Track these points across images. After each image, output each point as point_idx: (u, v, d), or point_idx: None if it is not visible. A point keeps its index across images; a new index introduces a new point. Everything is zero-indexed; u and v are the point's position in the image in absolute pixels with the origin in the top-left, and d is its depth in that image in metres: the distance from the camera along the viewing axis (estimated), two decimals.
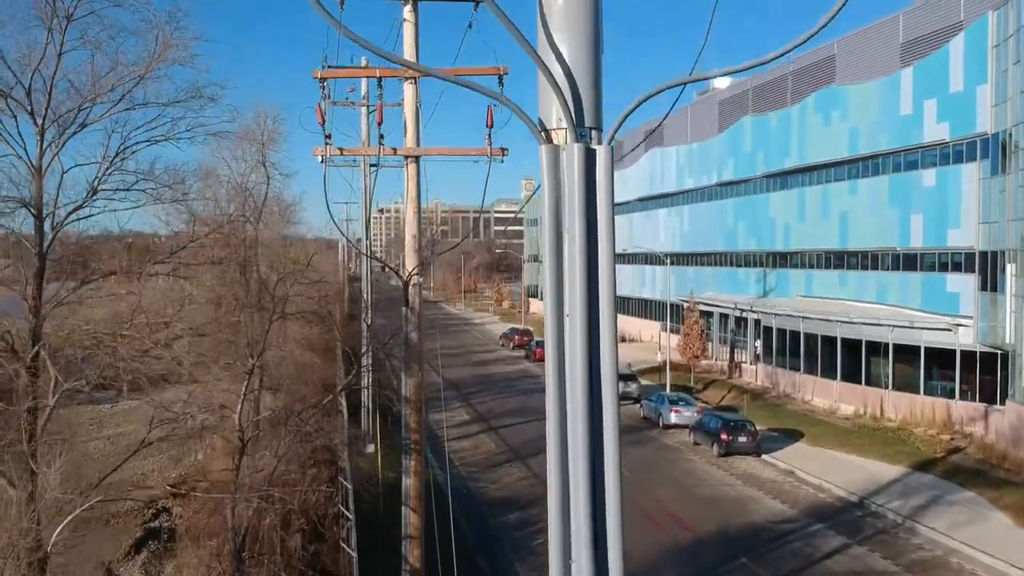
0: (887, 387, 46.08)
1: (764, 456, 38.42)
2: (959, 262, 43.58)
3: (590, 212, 5.53)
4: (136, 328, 20.58)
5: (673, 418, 43.43)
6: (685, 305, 68.19)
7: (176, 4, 25.90)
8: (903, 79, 47.52)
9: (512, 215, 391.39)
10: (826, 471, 35.63)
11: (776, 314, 55.18)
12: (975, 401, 41.88)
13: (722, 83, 79.63)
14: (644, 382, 57.96)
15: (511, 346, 79.48)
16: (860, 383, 47.68)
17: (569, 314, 5.46)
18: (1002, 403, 40.32)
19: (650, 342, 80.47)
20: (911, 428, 42.82)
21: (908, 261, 47.25)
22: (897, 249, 47.91)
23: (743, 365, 60.09)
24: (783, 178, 59.92)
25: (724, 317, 64.52)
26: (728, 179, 67.77)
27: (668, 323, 71.11)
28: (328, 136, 16.34)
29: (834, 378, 49.50)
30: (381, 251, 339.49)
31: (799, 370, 52.79)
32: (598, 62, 5.47)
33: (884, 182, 49.25)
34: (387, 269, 36.14)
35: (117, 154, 19.66)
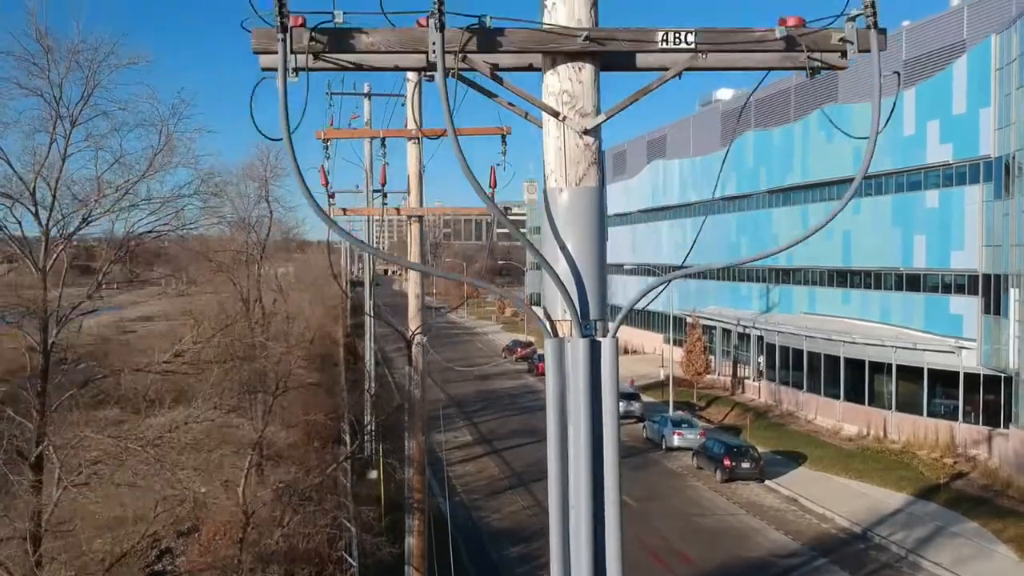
0: (890, 408, 46.02)
1: (767, 482, 38.39)
2: (962, 284, 43.51)
3: (595, 404, 5.56)
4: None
5: (676, 441, 43.41)
6: (688, 320, 68.24)
7: (180, 96, 26.19)
8: (906, 100, 47.48)
9: (513, 228, 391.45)
10: (829, 499, 35.59)
11: (779, 331, 55.14)
12: (979, 424, 41.83)
13: (724, 94, 79.72)
14: (647, 399, 57.99)
15: (514, 358, 79.47)
16: (863, 403, 47.62)
17: (574, 506, 5.48)
18: (1006, 426, 40.28)
19: (652, 354, 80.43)
20: (914, 451, 42.76)
21: (911, 281, 47.18)
22: (900, 269, 47.86)
23: (746, 381, 60.05)
24: (786, 194, 59.91)
25: (727, 332, 64.46)
26: (731, 194, 67.72)
27: (671, 335, 71.16)
28: (332, 195, 16.36)
29: (837, 398, 49.45)
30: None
31: (802, 388, 52.75)
32: (602, 256, 5.49)
33: (887, 202, 49.20)
34: (389, 324, 36.12)
35: (121, 245, 20.00)
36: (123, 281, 25.60)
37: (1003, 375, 40.39)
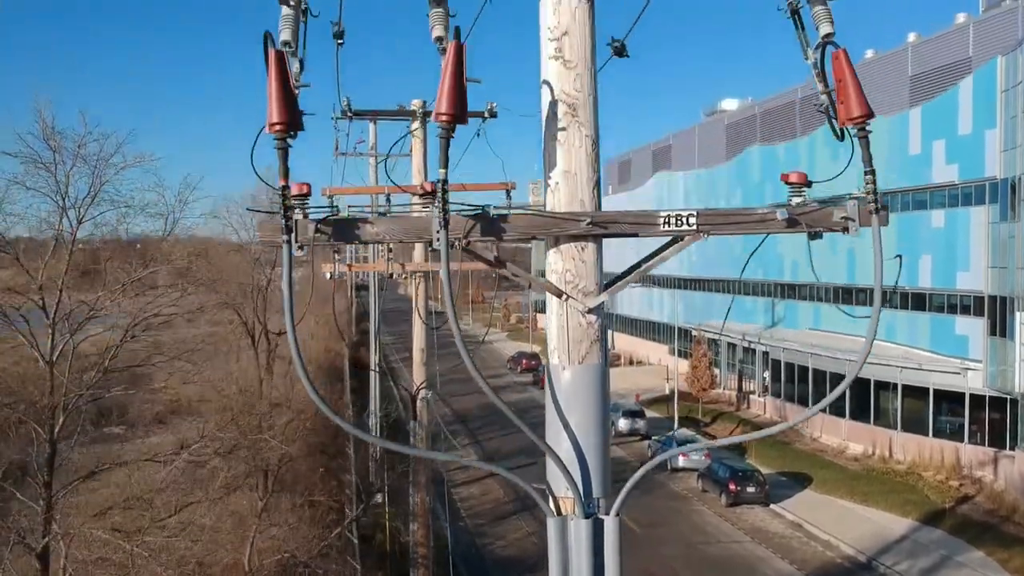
0: (896, 427, 45.94)
1: (773, 506, 38.36)
2: (968, 305, 43.44)
3: None
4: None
5: (681, 462, 43.39)
6: (693, 334, 68.23)
7: (186, 182, 26.76)
8: (911, 118, 47.40)
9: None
10: (835, 524, 35.55)
11: (784, 348, 55.07)
12: (984, 445, 41.75)
13: (730, 105, 79.72)
14: (652, 414, 57.95)
15: (518, 370, 79.51)
16: (869, 422, 47.56)
17: None
18: (1011, 448, 40.22)
19: (658, 364, 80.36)
20: (920, 471, 42.68)
21: (916, 301, 47.10)
22: (906, 288, 47.77)
23: (751, 396, 59.98)
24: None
25: (732, 346, 64.39)
26: (736, 208, 67.55)
27: (676, 345, 71.12)
28: (337, 250, 16.39)
29: (843, 416, 49.36)
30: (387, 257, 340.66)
31: (808, 405, 52.62)
32: (605, 432, 5.51)
33: (892, 220, 48.88)
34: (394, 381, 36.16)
35: (126, 332, 20.27)
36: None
37: (1009, 397, 40.32)
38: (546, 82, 5.26)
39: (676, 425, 50.79)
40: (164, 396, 66.23)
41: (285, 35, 5.03)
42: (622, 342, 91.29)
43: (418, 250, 16.72)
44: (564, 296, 5.21)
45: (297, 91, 5.17)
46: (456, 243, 5.03)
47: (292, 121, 4.59)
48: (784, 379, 55.63)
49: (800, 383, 53.77)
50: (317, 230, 4.96)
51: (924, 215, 46.58)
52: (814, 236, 5.56)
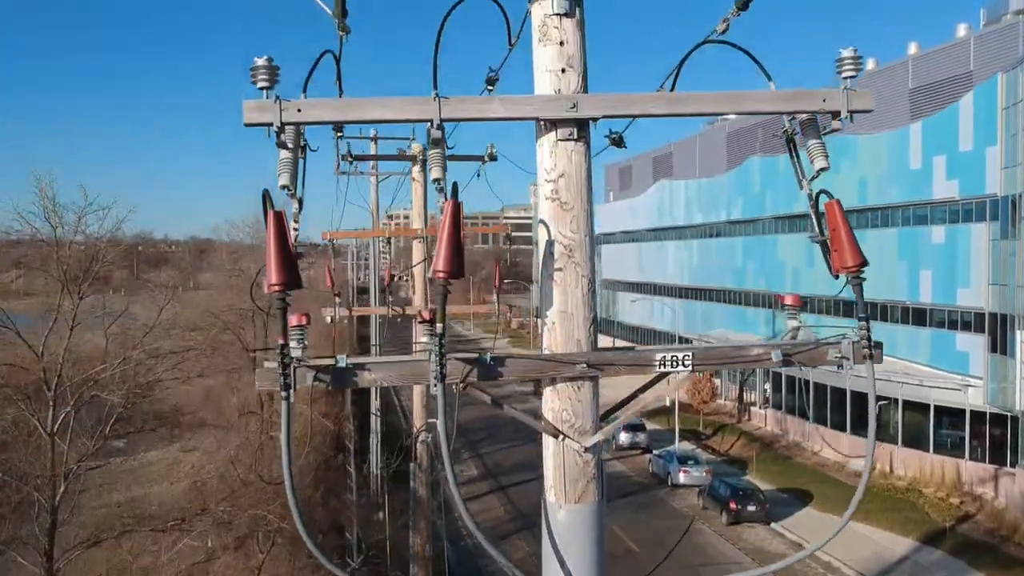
0: (897, 443, 45.96)
1: (774, 524, 38.38)
2: (968, 321, 43.45)
3: None
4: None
5: (682, 478, 43.42)
6: (694, 344, 68.18)
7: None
8: (912, 133, 47.42)
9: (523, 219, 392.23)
10: (835, 544, 35.47)
11: None
12: (985, 462, 41.78)
13: (731, 115, 79.52)
14: (653, 426, 57.97)
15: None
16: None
17: None
18: (1012, 465, 40.26)
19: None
20: (920, 488, 42.70)
21: (917, 316, 47.11)
22: (906, 303, 47.80)
23: (752, 408, 60.00)
24: (792, 221, 59.90)
25: None
26: (737, 218, 67.79)
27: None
28: (338, 294, 16.43)
29: (844, 430, 49.40)
30: (390, 262, 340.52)
31: (808, 418, 52.72)
32: (602, 570, 5.54)
33: (893, 235, 49.12)
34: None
35: (129, 396, 20.49)
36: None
37: (1009, 414, 40.34)
38: (543, 221, 5.30)
39: (677, 438, 50.78)
40: (165, 405, 66.36)
41: (284, 179, 5.07)
42: None
43: (418, 293, 16.75)
44: (560, 436, 5.24)
45: (296, 231, 5.23)
46: (454, 387, 5.08)
47: (291, 281, 4.65)
48: (785, 391, 55.67)
49: (800, 396, 53.80)
50: (316, 378, 5.00)
51: (925, 230, 46.59)
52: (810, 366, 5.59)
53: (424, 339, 5.20)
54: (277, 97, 4.87)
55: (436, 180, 5.15)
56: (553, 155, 5.21)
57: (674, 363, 5.23)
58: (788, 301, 5.75)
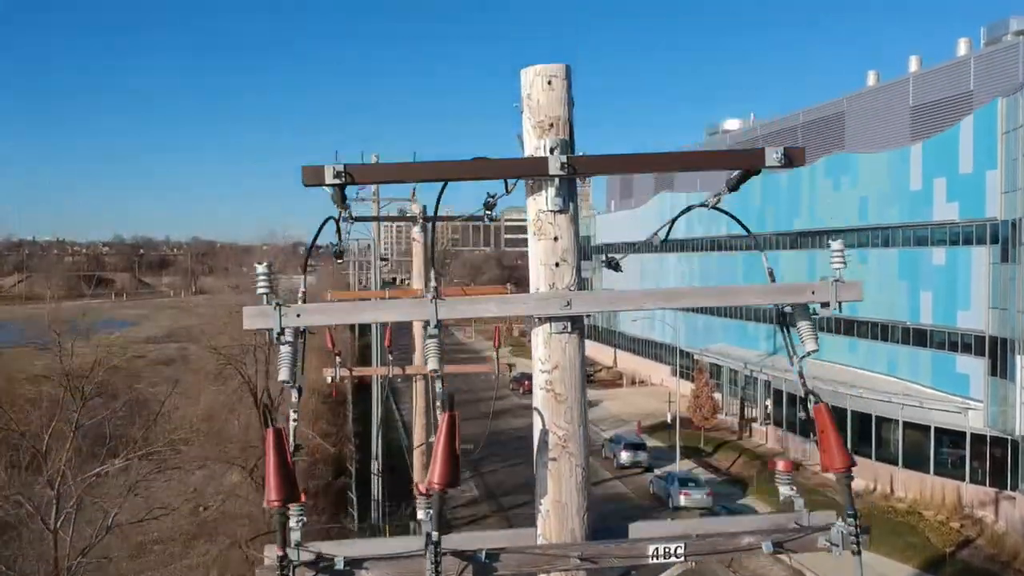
0: (897, 464, 46.05)
1: None
2: (969, 343, 43.51)
3: None
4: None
5: (683, 501, 43.49)
6: (695, 358, 68.40)
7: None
8: (912, 154, 47.50)
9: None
10: (837, 572, 35.55)
11: (786, 379, 55.12)
12: (985, 485, 41.86)
13: (732, 125, 79.89)
14: (654, 442, 58.08)
15: (520, 391, 79.47)
16: (870, 457, 47.61)
17: None
18: (1012, 488, 40.32)
19: (660, 386, 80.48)
20: (921, 510, 42.79)
21: (918, 337, 47.18)
22: (907, 323, 47.89)
23: (753, 425, 60.06)
24: (792, 237, 59.99)
25: (734, 372, 64.47)
26: (737, 232, 67.79)
27: (678, 367, 71.24)
28: (339, 353, 16.52)
29: None
30: (390, 267, 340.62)
31: (809, 437, 52.70)
32: None
33: (894, 255, 49.19)
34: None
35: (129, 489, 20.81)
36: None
37: (1010, 437, 40.40)
38: (537, 410, 5.41)
39: (678, 456, 50.78)
40: (166, 428, 66.51)
41: (284, 375, 5.18)
42: (624, 361, 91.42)
43: (417, 355, 16.85)
44: None
45: (295, 422, 5.33)
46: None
47: (289, 497, 4.76)
48: (786, 408, 55.73)
49: (801, 413, 53.80)
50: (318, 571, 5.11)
51: (925, 251, 46.66)
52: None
53: (421, 514, 5.34)
54: (277, 304, 5.00)
55: (433, 370, 5.29)
56: (548, 346, 5.32)
57: (667, 554, 5.32)
58: (780, 467, 5.84)
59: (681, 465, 50.78)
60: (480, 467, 53.01)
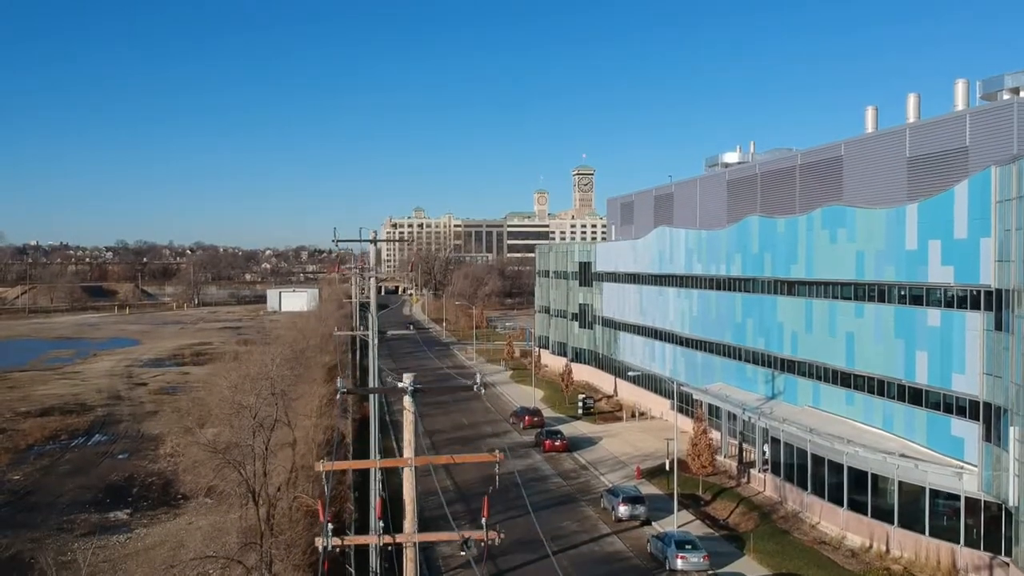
0: (893, 523, 46.26)
1: None
2: (964, 407, 43.72)
3: None
4: None
5: (679, 564, 43.73)
6: (695, 397, 68.63)
7: None
8: (908, 214, 47.77)
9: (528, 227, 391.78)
10: None
11: (783, 429, 55.42)
12: (980, 549, 42.07)
13: (731, 158, 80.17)
14: (652, 490, 58.38)
15: (521, 426, 79.90)
16: (866, 514, 47.86)
17: None
18: (1007, 553, 40.56)
19: (660, 419, 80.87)
20: (916, 572, 43.07)
21: (913, 395, 47.44)
22: (903, 381, 48.15)
23: (752, 471, 60.30)
24: (790, 285, 60.27)
25: (733, 416, 64.74)
26: (736, 274, 68.26)
27: (676, 402, 71.50)
28: (330, 519, 16.88)
29: (841, 504, 49.71)
30: (393, 271, 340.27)
31: (807, 489, 53.04)
32: None
33: (890, 312, 49.45)
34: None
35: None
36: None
37: (1004, 504, 40.61)
38: None
39: (676, 508, 51.03)
40: (163, 467, 66.90)
41: None
42: (625, 390, 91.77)
43: (408, 519, 17.18)
44: None
45: None
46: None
47: None
48: (784, 457, 55.99)
49: (800, 464, 54.10)
50: None
51: (921, 311, 46.90)
52: None
53: None
54: None
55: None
56: None
57: None
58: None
59: (679, 517, 51.10)
60: (479, 516, 53.09)
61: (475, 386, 17.75)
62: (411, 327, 67.25)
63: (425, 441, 74.49)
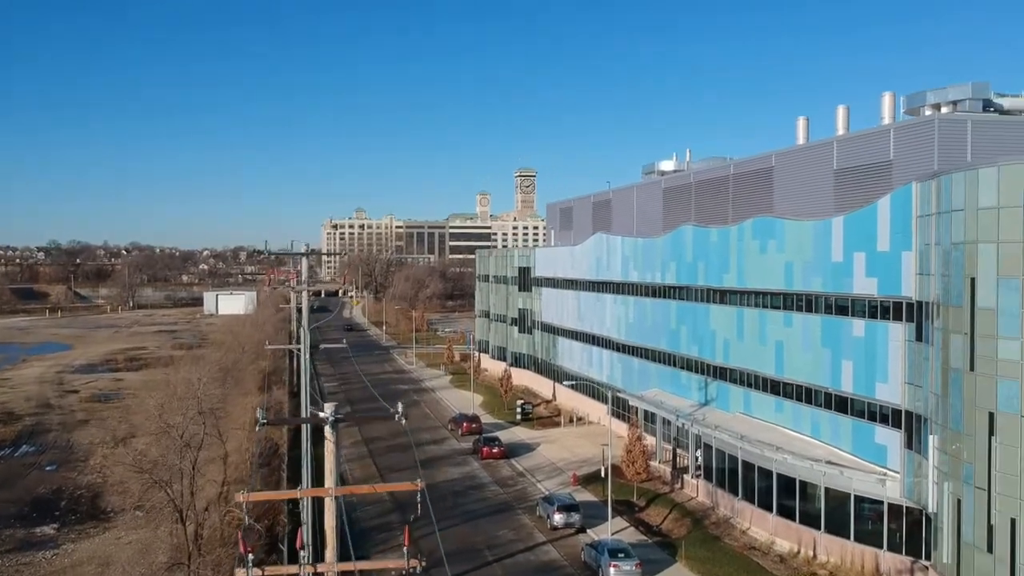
0: (820, 528, 47.35)
1: None
2: (887, 415, 45.00)
3: None
4: None
5: (612, 573, 44.14)
6: (631, 403, 69.39)
7: None
8: (835, 226, 48.98)
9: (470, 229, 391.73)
10: None
11: (716, 436, 56.36)
12: (902, 553, 43.32)
13: (667, 166, 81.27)
14: (588, 496, 58.91)
15: (460, 433, 79.93)
16: (795, 520, 48.94)
17: None
18: (927, 558, 41.84)
19: (598, 424, 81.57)
20: None
21: (839, 403, 48.66)
22: (829, 389, 49.37)
23: (685, 476, 61.18)
24: (722, 294, 61.33)
25: (667, 422, 65.63)
26: (671, 282, 69.24)
27: (612, 407, 72.17)
28: (252, 550, 16.83)
29: (770, 510, 50.75)
30: (333, 274, 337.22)
31: (738, 495, 54.02)
32: None
33: (817, 321, 50.65)
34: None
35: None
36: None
37: (924, 510, 41.88)
38: None
39: (610, 516, 51.55)
40: (93, 479, 65.43)
41: None
42: (564, 397, 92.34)
43: (329, 552, 17.18)
44: None
45: None
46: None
47: None
48: (715, 464, 56.95)
49: (731, 470, 55.06)
50: None
51: (847, 321, 48.11)
52: None
53: None
54: None
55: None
56: None
57: None
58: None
59: (614, 524, 51.66)
60: (419, 528, 53.01)
61: (396, 415, 17.83)
62: (344, 341, 66.46)
63: (362, 449, 74.13)
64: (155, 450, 39.57)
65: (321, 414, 17.28)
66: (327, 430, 17.25)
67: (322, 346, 42.25)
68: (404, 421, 18.02)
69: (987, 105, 47.66)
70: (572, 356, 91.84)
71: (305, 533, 35.53)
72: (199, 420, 35.97)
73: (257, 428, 17.40)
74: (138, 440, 54.23)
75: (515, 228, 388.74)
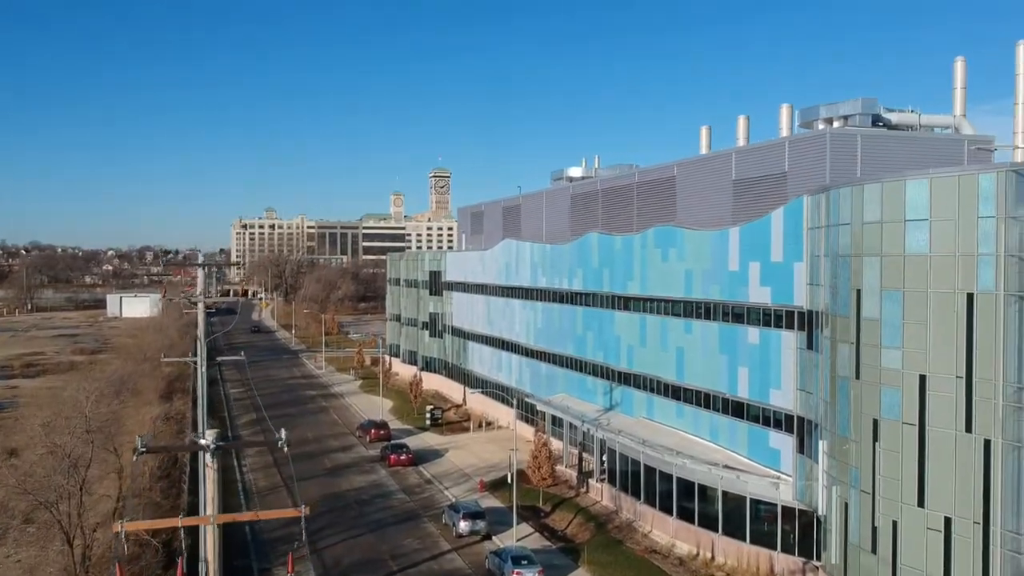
0: (718, 531, 48.58)
1: None
2: (780, 420, 46.43)
3: None
4: None
5: None
6: (538, 408, 69.90)
7: None
8: (732, 237, 50.30)
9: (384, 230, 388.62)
10: None
11: (619, 441, 57.26)
12: (795, 554, 44.74)
13: (575, 172, 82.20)
14: (494, 502, 59.16)
15: (368, 440, 79.32)
16: (694, 523, 50.09)
17: None
18: (817, 559, 43.32)
19: (507, 428, 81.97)
20: None
21: (736, 408, 50.00)
22: (727, 395, 50.68)
23: (590, 482, 61.98)
24: (627, 301, 62.36)
25: (573, 426, 66.38)
26: (578, 289, 70.07)
27: (516, 416, 72.65)
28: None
29: (671, 513, 51.82)
30: (243, 273, 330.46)
31: (640, 498, 55.00)
32: None
33: (715, 329, 51.93)
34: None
35: None
36: None
37: (815, 512, 43.35)
38: None
39: (515, 521, 51.90)
40: None
41: None
42: (474, 401, 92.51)
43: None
44: None
45: None
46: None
47: None
48: (619, 468, 57.87)
49: (633, 475, 56.04)
50: None
51: (742, 329, 49.46)
52: None
53: None
54: None
55: None
56: None
57: None
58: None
59: (519, 530, 52.02)
60: (316, 541, 52.51)
61: (279, 441, 17.70)
62: (242, 353, 65.19)
63: (268, 458, 72.95)
64: (41, 470, 38.24)
65: (201, 441, 17.04)
66: (207, 458, 17.02)
67: (219, 359, 41.42)
68: (287, 448, 17.89)
69: (876, 120, 49.57)
70: (482, 361, 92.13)
71: (184, 564, 34.78)
72: (87, 439, 34.81)
73: (135, 458, 17.02)
74: (27, 453, 52.36)
75: (430, 229, 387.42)
